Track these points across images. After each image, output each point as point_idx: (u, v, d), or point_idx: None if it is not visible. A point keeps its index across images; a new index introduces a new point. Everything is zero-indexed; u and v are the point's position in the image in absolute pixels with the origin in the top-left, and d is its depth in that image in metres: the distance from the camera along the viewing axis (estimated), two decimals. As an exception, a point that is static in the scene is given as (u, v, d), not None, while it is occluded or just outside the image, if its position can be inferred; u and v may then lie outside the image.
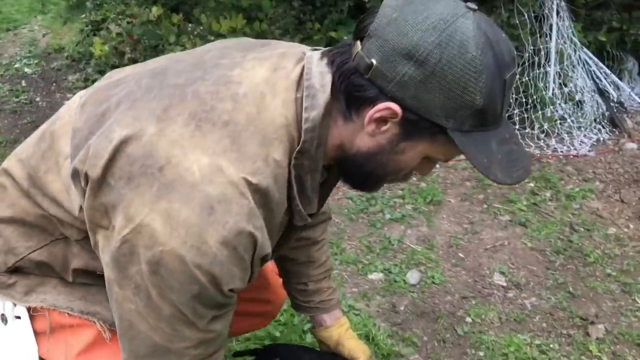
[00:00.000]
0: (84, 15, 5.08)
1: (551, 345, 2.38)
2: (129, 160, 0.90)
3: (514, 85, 3.71)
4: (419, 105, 0.88)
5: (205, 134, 0.90)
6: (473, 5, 0.88)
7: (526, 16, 3.91)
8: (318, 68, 0.94)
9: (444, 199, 3.42)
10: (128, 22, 3.58)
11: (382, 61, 0.87)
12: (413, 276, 2.75)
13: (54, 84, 4.66)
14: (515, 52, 0.93)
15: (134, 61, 3.43)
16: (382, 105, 0.90)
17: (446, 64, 0.84)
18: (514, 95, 4.06)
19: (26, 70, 4.87)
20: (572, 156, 4.03)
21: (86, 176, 0.93)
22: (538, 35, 4.07)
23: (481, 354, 2.32)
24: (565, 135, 4.18)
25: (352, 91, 0.92)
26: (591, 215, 3.38)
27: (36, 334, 1.13)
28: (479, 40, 0.84)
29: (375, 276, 2.74)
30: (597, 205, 3.49)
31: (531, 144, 4.09)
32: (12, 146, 3.69)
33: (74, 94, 4.13)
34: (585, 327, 2.50)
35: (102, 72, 3.51)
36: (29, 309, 1.12)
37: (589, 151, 4.10)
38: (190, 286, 0.89)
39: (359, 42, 0.91)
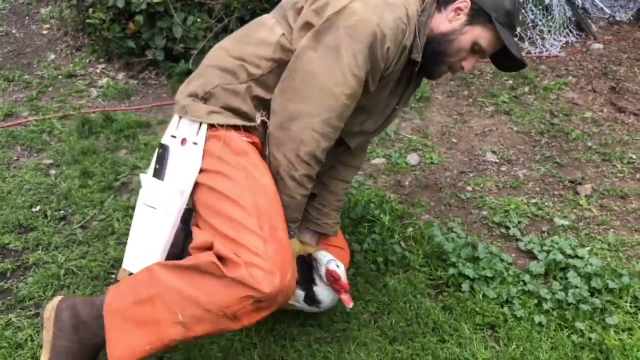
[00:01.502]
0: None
1: (546, 204, 2.60)
2: None
3: None
4: (480, 1, 1.53)
5: None
6: None
7: None
8: None
9: (432, 96, 3.59)
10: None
11: None
12: (413, 158, 2.92)
13: (27, 17, 4.56)
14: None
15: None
16: (461, 0, 1.54)
17: None
18: None
19: (-6, 7, 4.75)
20: (544, 57, 4.25)
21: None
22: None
23: (484, 212, 2.52)
24: (537, 38, 4.38)
25: None
26: (568, 104, 3.61)
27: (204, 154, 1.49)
28: None
29: (378, 161, 2.90)
30: (572, 95, 3.72)
31: (506, 47, 4.28)
32: (-1, 72, 3.66)
33: (51, 26, 4.07)
34: (574, 188, 2.74)
35: (86, -10, 3.49)
36: (206, 136, 1.49)
37: (559, 52, 4.32)
38: (368, 38, 1.42)
39: None
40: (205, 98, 1.55)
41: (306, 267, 1.70)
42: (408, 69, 1.62)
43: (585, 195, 2.68)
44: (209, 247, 1.37)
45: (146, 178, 1.56)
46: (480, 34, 1.56)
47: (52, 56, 3.89)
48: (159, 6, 3.38)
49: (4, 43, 4.12)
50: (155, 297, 1.38)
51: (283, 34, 1.55)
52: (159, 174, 1.54)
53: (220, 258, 1.33)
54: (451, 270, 2.05)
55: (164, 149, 1.54)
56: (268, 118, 1.53)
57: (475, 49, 1.59)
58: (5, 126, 3.02)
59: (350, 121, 1.58)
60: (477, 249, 2.10)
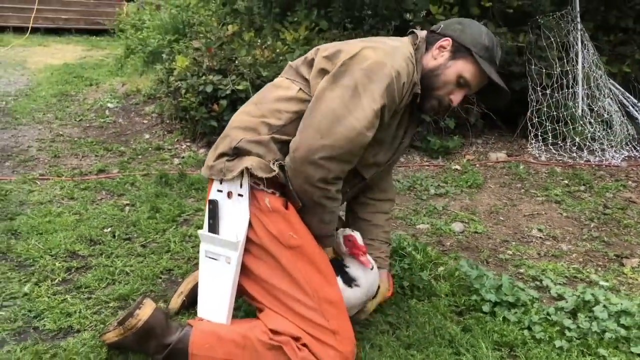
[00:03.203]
0: (160, 67, 5.71)
1: (587, 270, 2.59)
2: (342, 43, 1.76)
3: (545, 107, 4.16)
4: (460, 38, 1.76)
5: (371, 40, 1.80)
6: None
7: (552, 39, 4.39)
8: (420, 31, 1.88)
9: (484, 184, 3.74)
10: (206, 39, 4.22)
11: (445, 26, 1.82)
12: (457, 226, 3.03)
13: (133, 112, 5.30)
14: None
15: (210, 69, 4.02)
16: (443, 39, 1.78)
17: (473, 26, 1.80)
18: (545, 110, 4.45)
19: (109, 105, 5.55)
20: (604, 165, 4.31)
21: (316, 52, 1.75)
22: (565, 60, 4.52)
23: (522, 270, 2.55)
24: (597, 148, 4.48)
25: (431, 38, 1.81)
26: (624, 202, 3.61)
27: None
28: (486, 29, 1.81)
29: (422, 226, 3.03)
30: (630, 196, 3.73)
31: (564, 154, 4.41)
32: (101, 144, 4.24)
33: (151, 118, 4.75)
34: (620, 261, 2.71)
35: (182, 80, 4.10)
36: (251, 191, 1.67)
37: (620, 162, 4.37)
38: (385, 78, 1.60)
39: (435, 26, 1.87)
40: (235, 154, 1.69)
41: (336, 263, 1.81)
42: (411, 104, 1.80)
43: (632, 268, 2.64)
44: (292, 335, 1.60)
45: (204, 234, 1.73)
46: (463, 67, 1.74)
47: (147, 136, 4.47)
48: (242, 92, 3.89)
49: (110, 127, 4.80)
50: None
51: (300, 89, 1.71)
52: (213, 228, 1.71)
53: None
54: (474, 297, 2.09)
55: (213, 204, 1.70)
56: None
57: (462, 82, 1.76)
58: (97, 178, 3.48)
59: (365, 154, 1.73)
60: (502, 278, 2.14)
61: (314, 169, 1.59)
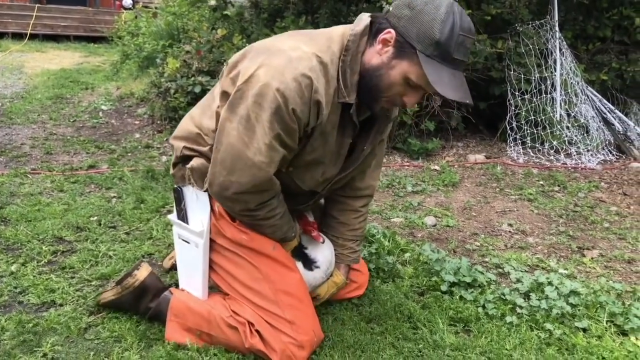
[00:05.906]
0: (153, 71, 5.88)
1: (549, 261, 2.72)
2: (252, 50, 1.61)
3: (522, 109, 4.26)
4: (405, 32, 1.47)
5: (294, 37, 1.60)
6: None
7: (530, 47, 4.55)
8: (364, 15, 1.61)
9: (460, 183, 3.88)
10: (196, 42, 4.38)
11: (394, 8, 1.52)
12: (430, 220, 3.16)
13: (126, 114, 5.45)
14: (474, 30, 1.52)
15: (199, 71, 4.17)
16: (387, 31, 1.50)
17: (425, 11, 1.45)
18: (524, 114, 4.60)
19: (103, 107, 5.70)
20: (580, 168, 4.46)
21: (227, 66, 1.64)
22: (544, 67, 4.69)
23: (487, 259, 2.68)
24: (574, 152, 4.63)
25: (377, 25, 1.55)
26: (595, 201, 3.75)
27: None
28: (449, 9, 1.45)
29: (396, 219, 3.16)
30: (601, 196, 3.87)
31: (541, 157, 4.56)
32: (93, 143, 4.38)
33: (143, 119, 4.91)
34: (582, 252, 2.85)
35: (172, 81, 4.26)
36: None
37: (596, 166, 4.52)
38: (271, 104, 1.47)
39: (386, 8, 1.61)
40: (182, 161, 1.78)
41: (297, 248, 1.94)
42: (347, 111, 1.63)
43: (591, 258, 2.77)
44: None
45: (174, 219, 1.88)
46: (408, 68, 1.49)
47: (138, 135, 4.61)
48: (228, 93, 4.04)
49: (103, 128, 4.94)
50: (212, 334, 1.79)
51: (219, 105, 1.65)
52: (181, 216, 1.84)
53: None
54: (434, 278, 2.22)
55: (177, 192, 1.83)
56: None
57: (411, 84, 1.52)
58: (86, 172, 3.61)
59: (311, 176, 1.74)
60: (461, 261, 2.27)
61: (232, 203, 1.64)
